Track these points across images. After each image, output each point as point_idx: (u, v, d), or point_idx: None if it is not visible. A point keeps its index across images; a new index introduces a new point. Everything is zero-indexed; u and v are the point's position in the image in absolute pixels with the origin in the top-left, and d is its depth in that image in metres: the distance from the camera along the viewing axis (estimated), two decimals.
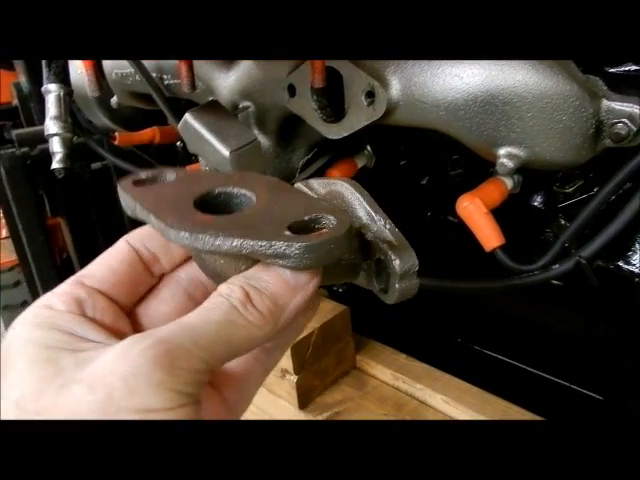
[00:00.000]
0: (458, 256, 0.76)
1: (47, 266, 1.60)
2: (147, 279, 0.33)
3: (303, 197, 0.31)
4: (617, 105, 0.44)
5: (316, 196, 0.35)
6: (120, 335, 0.29)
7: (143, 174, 0.33)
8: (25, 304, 1.86)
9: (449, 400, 0.78)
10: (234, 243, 0.26)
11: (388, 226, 0.31)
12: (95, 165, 1.62)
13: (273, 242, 0.25)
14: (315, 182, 0.36)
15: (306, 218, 0.27)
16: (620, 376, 0.73)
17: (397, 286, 0.30)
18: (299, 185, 0.36)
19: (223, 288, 0.28)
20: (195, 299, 0.33)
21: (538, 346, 0.82)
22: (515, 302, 0.80)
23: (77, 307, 0.29)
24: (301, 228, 0.27)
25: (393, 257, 0.30)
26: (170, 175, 0.33)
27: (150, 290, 0.33)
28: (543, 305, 0.77)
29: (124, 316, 0.31)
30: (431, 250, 0.81)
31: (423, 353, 0.86)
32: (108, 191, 1.63)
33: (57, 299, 0.29)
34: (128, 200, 0.30)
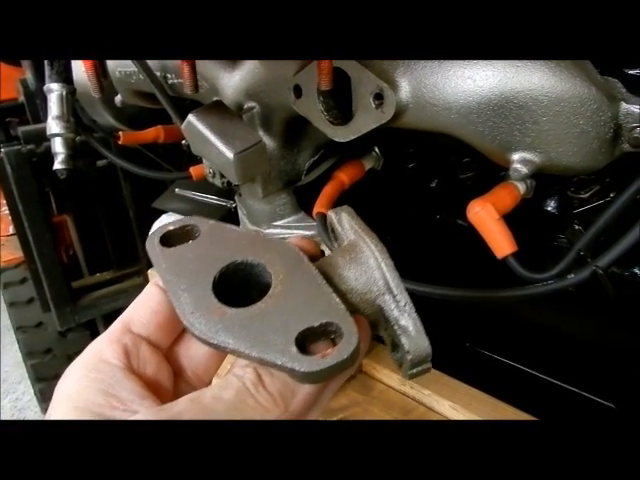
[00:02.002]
0: (467, 260, 0.74)
1: (53, 263, 1.60)
2: None
3: (318, 290, 0.30)
4: (636, 108, 0.42)
5: (343, 235, 0.35)
6: (157, 387, 0.31)
7: (172, 226, 0.35)
8: (32, 301, 1.87)
9: (457, 407, 0.77)
10: (243, 353, 0.28)
11: (407, 307, 0.31)
12: (101, 162, 1.62)
13: (278, 362, 0.27)
14: (347, 221, 0.35)
15: (316, 325, 0.28)
16: (633, 384, 0.71)
17: (408, 372, 0.31)
18: (331, 215, 0.36)
19: (237, 369, 0.29)
20: None
21: (549, 352, 0.81)
22: (525, 306, 0.78)
23: (124, 356, 0.31)
24: (310, 336, 0.28)
25: (407, 347, 0.30)
26: (197, 229, 0.34)
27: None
28: (555, 310, 0.75)
29: (165, 362, 0.33)
30: (439, 254, 0.80)
31: (431, 365, 0.84)
32: (114, 188, 1.63)
33: (107, 348, 0.31)
34: (154, 263, 0.33)
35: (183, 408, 0.27)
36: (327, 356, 0.27)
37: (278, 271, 0.31)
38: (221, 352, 0.31)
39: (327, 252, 0.51)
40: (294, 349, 0.27)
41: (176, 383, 0.34)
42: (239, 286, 0.32)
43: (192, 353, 0.35)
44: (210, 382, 0.36)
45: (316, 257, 0.34)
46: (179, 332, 0.35)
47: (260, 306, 0.30)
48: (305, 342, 0.28)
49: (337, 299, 0.30)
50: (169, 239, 0.34)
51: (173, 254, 0.33)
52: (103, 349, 0.31)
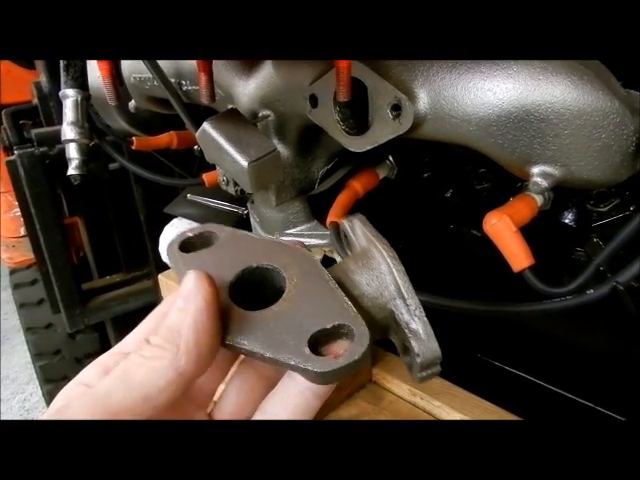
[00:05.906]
0: (480, 271, 0.73)
1: (64, 265, 1.60)
2: None
3: (331, 294, 0.32)
4: None
5: (356, 242, 0.36)
6: None
7: (190, 233, 0.36)
8: (42, 302, 1.88)
9: (467, 419, 0.76)
10: (258, 354, 0.29)
11: (417, 312, 0.32)
12: (113, 165, 1.62)
13: (291, 362, 0.28)
14: (360, 229, 0.36)
15: (329, 326, 0.29)
16: None
17: (418, 375, 0.32)
18: (344, 223, 0.38)
19: None
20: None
21: (563, 364, 0.79)
22: (538, 317, 0.77)
23: (100, 377, 0.31)
24: (322, 337, 0.29)
25: (417, 350, 0.31)
26: (215, 236, 0.36)
27: None
28: (568, 321, 0.74)
29: None
30: (453, 264, 0.79)
31: (441, 368, 0.83)
32: (125, 191, 1.63)
33: (93, 370, 0.32)
34: (175, 268, 0.35)
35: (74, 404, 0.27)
36: (339, 357, 0.28)
37: (292, 275, 0.33)
38: (236, 353, 0.32)
39: (339, 260, 0.50)
40: (307, 350, 0.28)
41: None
42: (254, 289, 0.33)
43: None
44: (214, 392, 0.36)
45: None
46: None
47: (274, 309, 0.31)
48: (317, 343, 0.29)
49: (349, 302, 0.31)
50: (188, 246, 0.36)
51: (192, 258, 0.35)
52: (86, 371, 0.33)
